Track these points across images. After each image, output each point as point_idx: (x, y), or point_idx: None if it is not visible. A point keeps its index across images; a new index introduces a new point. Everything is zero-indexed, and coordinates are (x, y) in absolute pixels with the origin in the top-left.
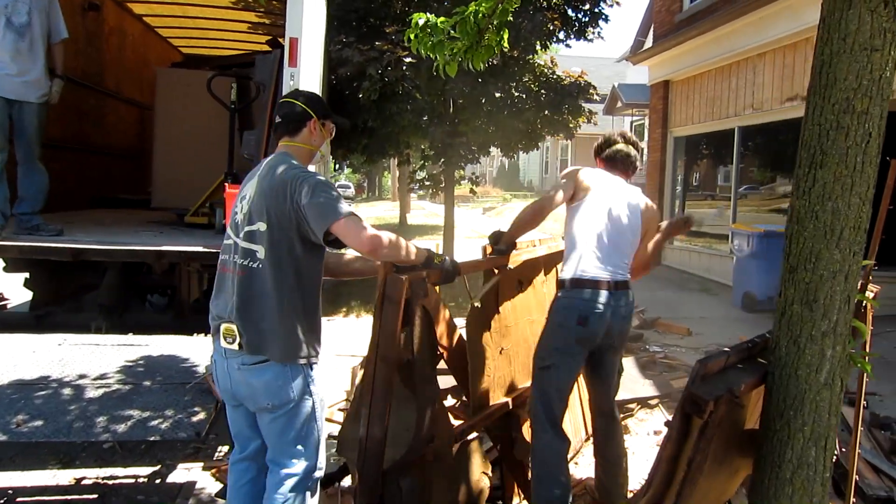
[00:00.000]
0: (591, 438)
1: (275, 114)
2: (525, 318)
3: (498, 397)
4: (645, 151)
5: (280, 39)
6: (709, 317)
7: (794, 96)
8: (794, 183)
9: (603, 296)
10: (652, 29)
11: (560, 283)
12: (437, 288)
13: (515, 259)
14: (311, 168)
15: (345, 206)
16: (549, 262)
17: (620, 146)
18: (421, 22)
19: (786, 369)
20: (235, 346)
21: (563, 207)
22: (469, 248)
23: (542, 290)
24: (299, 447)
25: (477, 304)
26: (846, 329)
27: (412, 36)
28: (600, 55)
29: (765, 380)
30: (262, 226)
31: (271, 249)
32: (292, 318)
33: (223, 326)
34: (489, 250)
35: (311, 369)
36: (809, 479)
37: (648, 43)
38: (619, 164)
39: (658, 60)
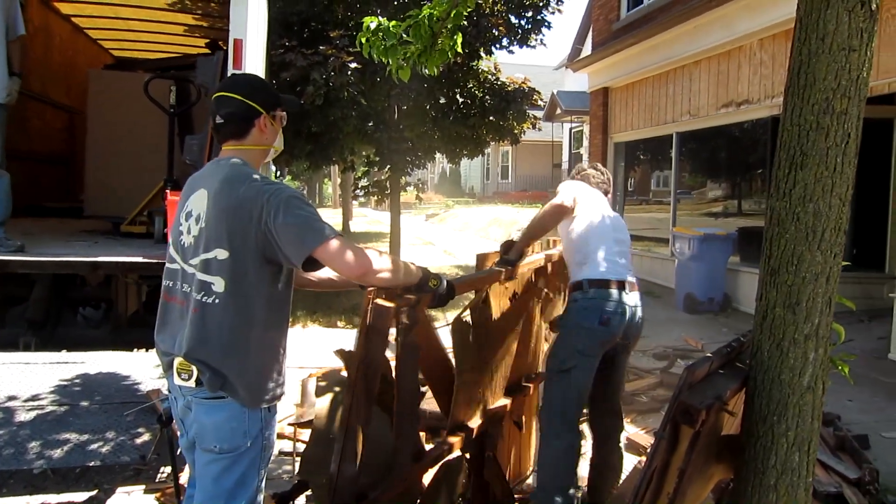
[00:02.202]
0: (592, 437)
1: (211, 111)
2: (512, 329)
3: (477, 415)
4: (585, 157)
5: (220, 42)
6: (653, 319)
7: (728, 103)
8: (774, 185)
9: (623, 296)
10: (590, 37)
11: (577, 285)
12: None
13: (511, 272)
14: (269, 168)
15: (326, 226)
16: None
17: (588, 168)
18: (373, 26)
19: (768, 373)
20: (192, 384)
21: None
22: (414, 255)
23: (526, 299)
24: (233, 497)
25: (466, 318)
26: (827, 331)
27: (363, 40)
28: (538, 63)
29: (745, 385)
30: (221, 253)
31: (234, 282)
32: (262, 356)
33: (176, 362)
34: (481, 259)
35: (271, 411)
36: (793, 485)
37: (586, 50)
38: (590, 180)
39: (597, 68)
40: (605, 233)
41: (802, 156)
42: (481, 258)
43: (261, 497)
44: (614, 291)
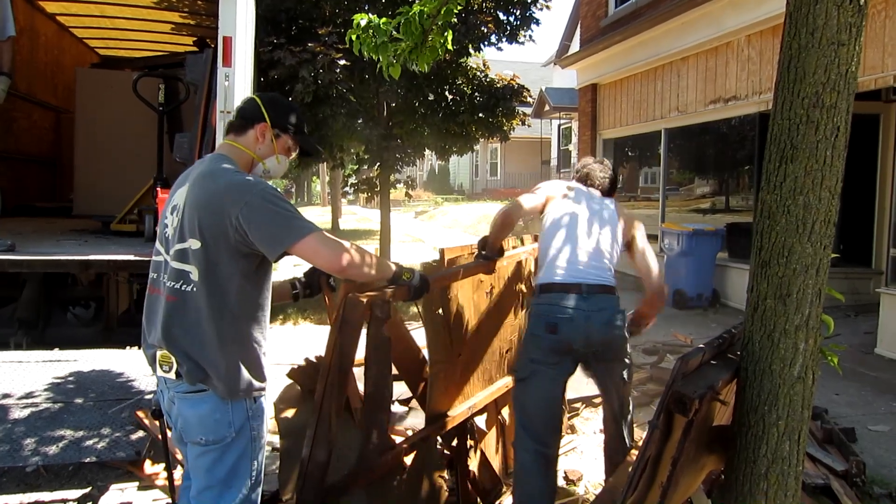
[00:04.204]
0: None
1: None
2: (490, 322)
3: (455, 406)
4: (574, 154)
5: (208, 40)
6: None
7: (716, 99)
8: (764, 178)
9: (572, 300)
10: (578, 33)
11: (532, 292)
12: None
13: (488, 267)
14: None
15: (304, 222)
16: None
17: (588, 162)
18: (363, 23)
19: (759, 364)
20: (172, 375)
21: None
22: (403, 252)
23: (506, 292)
24: (228, 487)
25: (439, 311)
26: (817, 322)
27: (354, 37)
28: (527, 59)
29: (737, 375)
30: (194, 243)
31: (207, 270)
32: (235, 348)
33: (158, 354)
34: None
35: (255, 402)
36: (784, 474)
37: (574, 47)
38: (586, 179)
39: (586, 64)
40: (567, 234)
41: (793, 149)
42: (444, 253)
43: (258, 492)
44: (563, 295)
